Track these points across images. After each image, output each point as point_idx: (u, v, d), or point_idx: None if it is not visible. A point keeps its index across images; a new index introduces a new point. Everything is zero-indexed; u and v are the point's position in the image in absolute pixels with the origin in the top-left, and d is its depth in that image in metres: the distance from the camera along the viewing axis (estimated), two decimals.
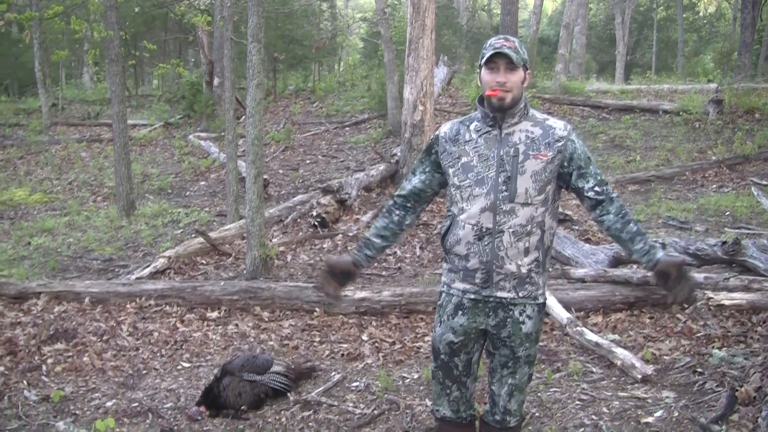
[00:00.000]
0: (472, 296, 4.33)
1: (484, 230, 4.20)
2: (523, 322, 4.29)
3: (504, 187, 4.15)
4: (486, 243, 4.21)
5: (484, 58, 4.13)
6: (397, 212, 4.59)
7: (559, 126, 4.22)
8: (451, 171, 4.33)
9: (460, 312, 4.37)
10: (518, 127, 4.20)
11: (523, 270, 4.22)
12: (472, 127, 4.32)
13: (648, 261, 4.15)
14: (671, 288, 4.11)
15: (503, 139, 4.19)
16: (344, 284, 4.66)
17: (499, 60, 4.11)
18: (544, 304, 4.41)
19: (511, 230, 4.16)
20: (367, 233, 4.62)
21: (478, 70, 4.27)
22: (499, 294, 4.27)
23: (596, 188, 4.20)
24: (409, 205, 4.58)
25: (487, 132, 4.24)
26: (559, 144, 4.15)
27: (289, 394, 6.87)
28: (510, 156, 4.16)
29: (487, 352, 4.54)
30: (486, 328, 4.37)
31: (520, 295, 4.26)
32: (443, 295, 4.50)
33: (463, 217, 4.27)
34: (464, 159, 4.27)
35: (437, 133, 4.46)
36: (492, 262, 4.22)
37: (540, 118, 4.27)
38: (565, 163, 4.17)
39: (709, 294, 7.89)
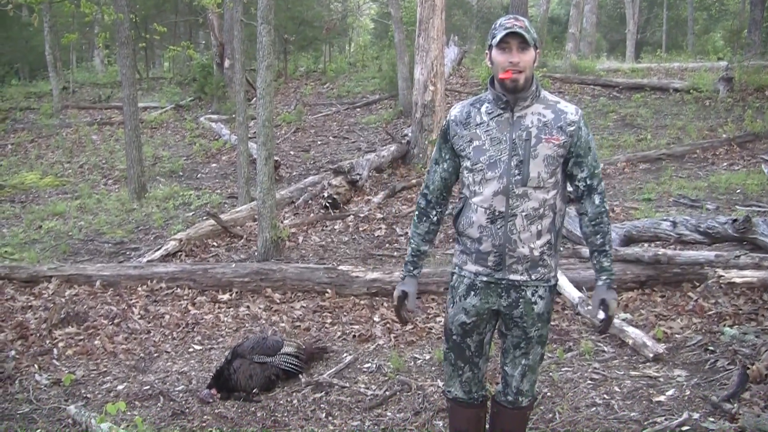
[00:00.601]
0: (485, 278, 4.28)
1: (496, 214, 4.15)
2: (536, 303, 4.24)
3: (517, 171, 4.10)
4: (499, 226, 4.17)
5: (496, 39, 4.05)
6: (433, 212, 4.55)
7: (570, 110, 4.15)
8: (463, 154, 4.27)
9: (473, 293, 4.32)
10: (530, 110, 4.14)
11: (536, 253, 4.18)
12: (483, 109, 4.24)
13: (599, 280, 4.28)
14: (604, 321, 4.29)
15: (515, 123, 4.13)
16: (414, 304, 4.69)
17: (511, 40, 4.03)
18: (555, 285, 4.37)
19: (524, 214, 4.12)
20: (412, 243, 4.58)
21: (487, 52, 4.19)
22: (512, 277, 4.22)
23: (588, 180, 4.18)
24: (441, 199, 4.53)
25: (498, 115, 4.18)
26: (571, 129, 4.09)
27: (300, 376, 6.87)
28: (522, 140, 4.10)
29: (499, 332, 4.50)
30: (498, 309, 4.32)
31: (533, 277, 4.22)
32: (455, 276, 4.45)
33: (475, 200, 4.22)
34: (476, 142, 4.21)
35: (448, 117, 4.38)
36: (505, 245, 4.18)
37: (552, 100, 4.20)
38: (571, 149, 4.13)
39: (720, 272, 7.82)
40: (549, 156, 4.09)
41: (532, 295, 4.24)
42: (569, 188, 4.29)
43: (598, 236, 4.23)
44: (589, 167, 4.16)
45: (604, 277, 4.25)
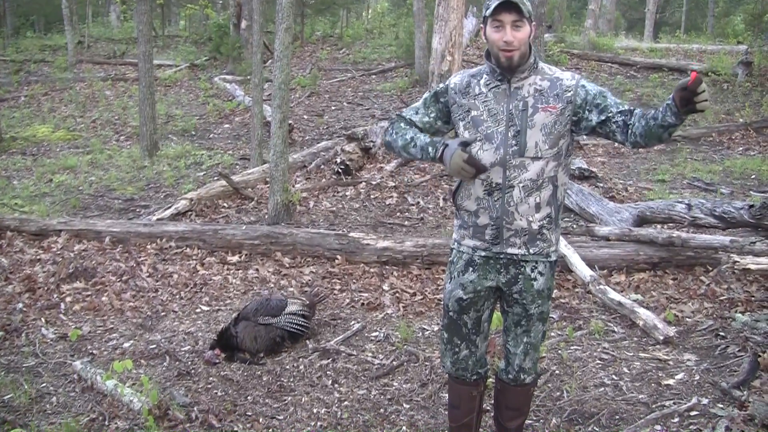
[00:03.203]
0: (483, 253, 4.25)
1: (494, 185, 4.12)
2: (535, 279, 4.21)
3: (514, 142, 4.06)
4: (496, 198, 4.13)
5: (489, 10, 3.95)
6: (411, 129, 4.33)
7: (566, 77, 4.09)
8: (461, 124, 4.22)
9: (471, 269, 4.29)
10: (527, 81, 4.09)
11: (534, 226, 4.13)
12: (482, 81, 4.20)
13: (667, 107, 3.71)
14: (700, 101, 3.67)
15: (512, 93, 4.09)
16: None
17: (505, 16, 3.93)
18: (556, 261, 4.32)
19: (521, 185, 4.07)
20: (417, 135, 4.24)
21: (482, 25, 4.12)
22: (510, 250, 4.18)
23: (620, 115, 3.95)
24: (411, 127, 4.37)
25: (496, 86, 4.13)
26: (569, 94, 4.02)
27: (308, 342, 6.85)
28: (519, 110, 4.06)
29: (501, 310, 4.47)
30: (498, 285, 4.29)
31: (531, 251, 4.18)
32: (454, 251, 4.42)
33: None
34: (474, 113, 4.17)
35: (447, 83, 4.32)
36: (502, 218, 4.14)
37: (549, 71, 4.13)
38: (579, 110, 4.02)
39: (735, 257, 7.76)
40: (547, 125, 4.03)
41: (532, 271, 4.20)
42: (615, 135, 4.00)
43: (651, 111, 3.82)
44: (615, 105, 3.99)
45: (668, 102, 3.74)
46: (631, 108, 3.97)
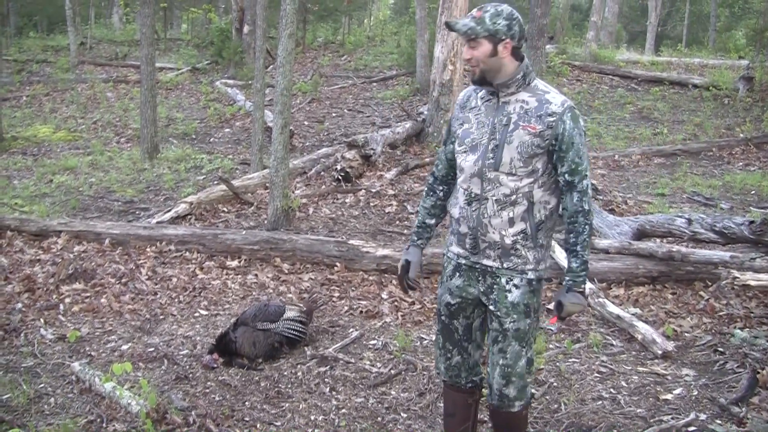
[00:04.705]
0: (463, 261, 4.35)
1: (473, 195, 4.21)
2: (510, 291, 4.21)
3: (491, 155, 4.13)
4: (474, 209, 4.22)
5: None
6: (440, 188, 4.63)
7: (556, 102, 4.08)
8: (455, 136, 4.37)
9: (458, 274, 4.38)
10: (515, 96, 4.14)
11: (507, 240, 4.16)
12: (480, 94, 4.30)
13: (564, 280, 4.27)
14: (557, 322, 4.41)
15: (499, 108, 4.16)
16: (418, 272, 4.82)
17: (461, 35, 4.15)
18: (538, 280, 4.28)
19: (494, 198, 4.14)
20: (419, 215, 4.71)
21: None
22: (485, 261, 4.26)
23: (567, 175, 4.08)
24: (449, 177, 4.57)
25: (488, 100, 4.23)
26: (551, 119, 4.03)
27: (306, 349, 6.86)
28: (502, 125, 4.13)
29: (486, 328, 4.49)
30: (479, 296, 4.35)
31: (505, 266, 4.21)
32: (445, 257, 4.54)
33: (459, 180, 4.32)
34: (466, 125, 4.29)
35: (456, 101, 4.48)
36: (477, 228, 4.22)
37: (541, 90, 4.15)
38: (553, 141, 4.06)
39: (735, 273, 7.76)
40: (524, 143, 4.07)
41: (507, 283, 4.22)
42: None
43: (571, 235, 4.17)
44: (570, 163, 4.06)
45: (567, 278, 4.22)
46: (575, 184, 4.10)
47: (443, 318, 4.52)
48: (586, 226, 4.12)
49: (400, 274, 4.72)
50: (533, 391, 4.56)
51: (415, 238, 4.74)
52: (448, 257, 4.48)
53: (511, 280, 4.20)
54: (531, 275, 4.22)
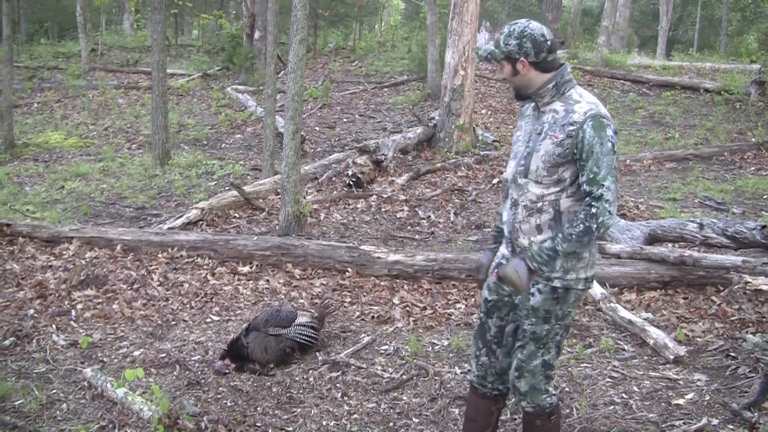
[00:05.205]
0: (504, 263, 4.37)
1: (512, 201, 4.34)
2: (533, 294, 4.25)
3: (523, 162, 4.23)
4: (512, 213, 4.34)
5: None
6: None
7: (579, 111, 4.07)
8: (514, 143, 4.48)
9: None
10: (550, 106, 4.20)
11: (534, 247, 4.18)
12: (533, 105, 4.37)
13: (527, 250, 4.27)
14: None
15: (539, 117, 4.25)
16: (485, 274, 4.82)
17: (481, 60, 4.43)
18: (564, 289, 4.24)
19: (523, 204, 4.24)
20: (496, 221, 4.79)
21: None
22: None
23: (586, 185, 4.03)
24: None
25: (535, 110, 4.31)
26: (571, 128, 4.04)
27: (318, 354, 6.86)
28: (536, 133, 4.22)
29: None
30: (511, 296, 4.44)
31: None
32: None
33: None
34: (518, 133, 4.41)
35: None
36: (512, 232, 4.35)
37: (574, 99, 4.15)
38: (575, 150, 4.05)
39: (747, 278, 7.75)
40: (547, 152, 4.12)
41: (533, 285, 4.25)
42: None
43: (560, 228, 4.17)
44: (588, 172, 4.02)
45: (530, 249, 4.22)
46: (594, 194, 4.01)
47: (481, 314, 4.64)
48: (582, 225, 4.02)
49: (476, 276, 4.82)
50: (553, 400, 4.48)
51: (491, 242, 4.83)
52: (497, 257, 4.58)
53: (537, 284, 4.23)
54: (557, 283, 4.22)
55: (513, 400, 4.59)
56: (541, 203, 4.16)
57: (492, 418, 4.74)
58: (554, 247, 4.08)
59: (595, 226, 3.99)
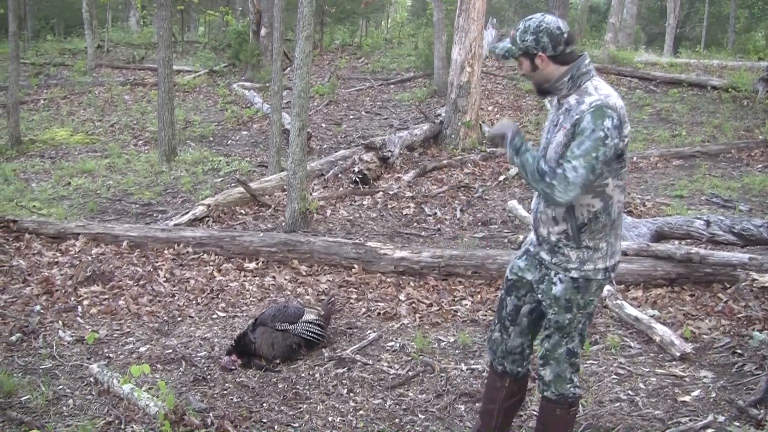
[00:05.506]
0: (532, 249, 4.55)
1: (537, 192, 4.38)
2: (555, 284, 4.31)
3: (542, 153, 4.26)
4: (536, 203, 4.42)
5: None
6: None
7: (588, 101, 4.06)
8: None
9: (525, 256, 4.61)
10: (566, 99, 4.21)
11: (552, 238, 4.30)
12: (556, 97, 4.41)
13: None
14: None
15: (559, 109, 4.28)
16: None
17: (500, 59, 4.45)
18: (584, 279, 4.27)
19: (541, 195, 4.27)
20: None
21: None
22: (542, 254, 4.40)
23: (561, 160, 4.07)
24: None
25: (557, 102, 4.34)
26: (576, 117, 4.05)
27: (324, 350, 6.86)
28: (554, 125, 4.26)
29: None
30: (533, 282, 4.50)
31: (553, 261, 4.33)
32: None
33: None
34: (546, 123, 4.46)
35: None
36: (535, 221, 4.44)
37: (588, 92, 4.13)
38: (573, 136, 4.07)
39: (754, 275, 7.73)
40: (558, 143, 4.15)
41: (554, 276, 4.33)
42: None
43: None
44: (569, 152, 4.03)
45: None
46: (562, 164, 4.06)
47: (502, 291, 4.73)
48: (546, 174, 4.05)
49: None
50: (576, 392, 4.49)
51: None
52: (526, 242, 4.69)
53: (557, 274, 4.31)
54: (575, 274, 4.27)
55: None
56: None
57: (497, 394, 4.81)
58: (522, 153, 4.21)
59: (547, 187, 4.06)
